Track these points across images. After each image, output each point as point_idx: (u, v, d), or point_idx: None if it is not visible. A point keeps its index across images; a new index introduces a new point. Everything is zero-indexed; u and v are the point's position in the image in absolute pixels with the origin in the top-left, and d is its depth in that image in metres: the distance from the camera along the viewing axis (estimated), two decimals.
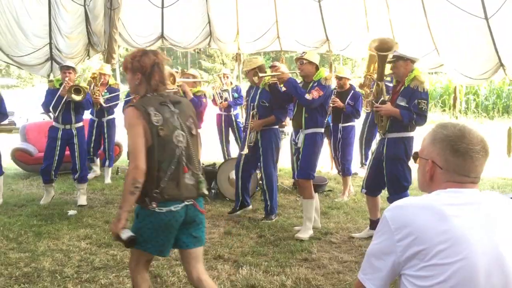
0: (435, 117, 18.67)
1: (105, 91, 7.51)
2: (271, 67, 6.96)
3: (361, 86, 7.12)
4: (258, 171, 6.04)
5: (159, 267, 4.07)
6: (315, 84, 4.98)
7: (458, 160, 1.50)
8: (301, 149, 5.07)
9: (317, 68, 5.13)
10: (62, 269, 4.03)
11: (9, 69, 32.16)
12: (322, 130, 5.15)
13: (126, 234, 2.49)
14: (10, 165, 8.67)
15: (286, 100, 5.47)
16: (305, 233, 4.94)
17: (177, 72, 6.69)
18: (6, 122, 17.08)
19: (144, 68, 2.62)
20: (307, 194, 5.08)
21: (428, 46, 7.38)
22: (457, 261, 1.37)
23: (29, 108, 16.30)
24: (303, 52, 5.30)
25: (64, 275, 3.91)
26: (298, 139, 5.10)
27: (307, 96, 4.90)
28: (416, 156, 1.65)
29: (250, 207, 6.01)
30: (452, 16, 6.38)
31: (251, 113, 5.59)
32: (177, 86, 5.93)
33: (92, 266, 4.12)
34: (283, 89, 5.36)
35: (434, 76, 20.98)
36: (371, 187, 4.73)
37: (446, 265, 1.37)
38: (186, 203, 2.61)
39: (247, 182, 5.83)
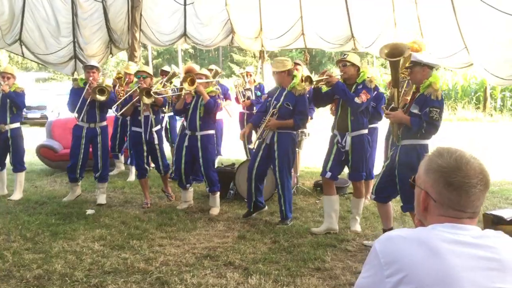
0: (469, 114, 18.06)
1: None
2: (294, 64, 6.80)
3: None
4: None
5: (168, 274, 4.04)
6: (360, 86, 5.02)
7: (452, 194, 1.36)
8: (349, 152, 5.14)
9: (358, 69, 5.11)
10: (72, 273, 4.05)
11: None
12: (366, 131, 5.22)
13: None
14: (36, 161, 8.86)
15: (327, 101, 5.52)
16: (355, 226, 5.33)
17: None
18: (38, 115, 17.63)
19: None
20: (359, 193, 5.37)
21: (458, 44, 7.06)
22: None
23: (62, 103, 16.58)
24: (345, 54, 5.23)
25: (74, 279, 3.93)
26: (345, 142, 5.12)
27: (357, 100, 4.95)
28: (413, 183, 1.53)
29: (266, 208, 5.92)
30: (482, 14, 6.07)
31: (271, 111, 5.52)
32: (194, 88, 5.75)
33: (102, 270, 4.13)
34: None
35: (470, 71, 20.24)
36: (381, 194, 4.58)
37: None
38: None
39: (260, 182, 5.76)
